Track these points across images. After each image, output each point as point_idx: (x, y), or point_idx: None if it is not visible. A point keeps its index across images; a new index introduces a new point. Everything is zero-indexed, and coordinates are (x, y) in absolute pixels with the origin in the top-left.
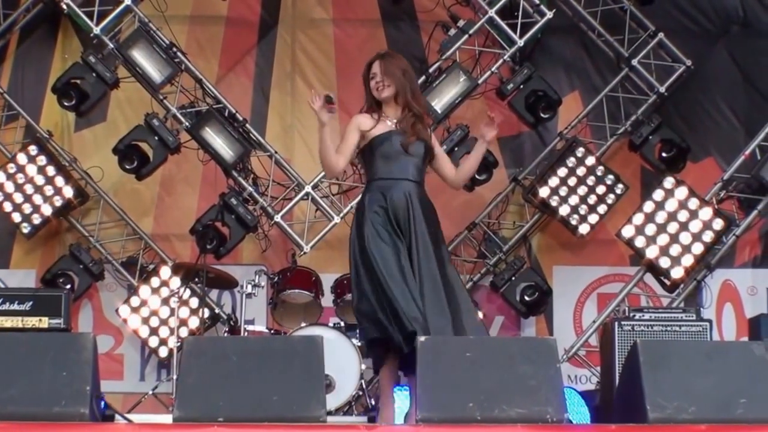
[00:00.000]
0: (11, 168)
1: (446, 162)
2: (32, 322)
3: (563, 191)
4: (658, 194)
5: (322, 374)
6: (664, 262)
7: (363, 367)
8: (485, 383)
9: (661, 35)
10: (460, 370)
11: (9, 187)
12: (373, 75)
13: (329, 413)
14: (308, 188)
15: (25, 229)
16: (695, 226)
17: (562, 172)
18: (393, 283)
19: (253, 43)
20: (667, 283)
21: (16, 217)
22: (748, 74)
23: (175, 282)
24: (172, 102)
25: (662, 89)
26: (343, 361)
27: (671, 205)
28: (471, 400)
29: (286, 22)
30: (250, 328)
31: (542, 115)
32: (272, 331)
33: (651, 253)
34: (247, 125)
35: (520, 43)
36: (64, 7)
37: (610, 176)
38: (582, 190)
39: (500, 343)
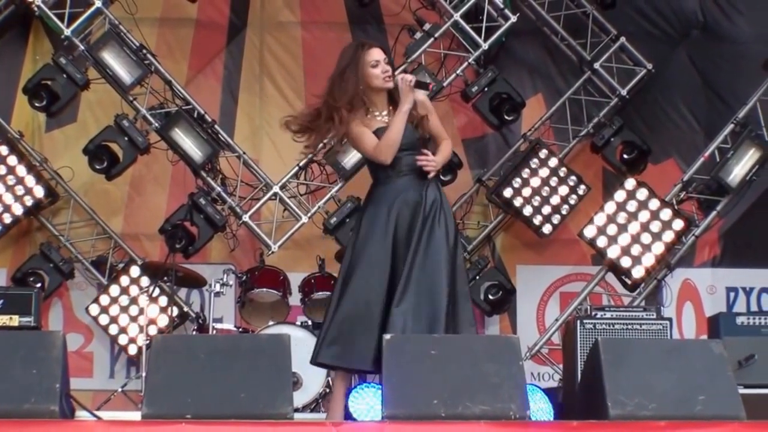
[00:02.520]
0: None
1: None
2: (3, 320)
3: (526, 192)
4: (619, 195)
5: (289, 372)
6: (626, 262)
7: None
8: (449, 380)
9: (622, 39)
10: (425, 368)
11: None
12: (377, 63)
13: (296, 410)
14: (276, 188)
15: None
16: (656, 226)
17: (525, 173)
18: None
19: (221, 46)
20: (628, 282)
21: None
22: (708, 77)
23: (145, 281)
24: (142, 103)
25: (624, 92)
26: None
27: (632, 205)
28: (435, 397)
29: (255, 25)
30: (218, 326)
31: (506, 117)
32: (240, 330)
33: (612, 252)
34: (216, 126)
35: (485, 46)
36: (36, 9)
37: (573, 177)
38: (545, 190)
39: (464, 341)
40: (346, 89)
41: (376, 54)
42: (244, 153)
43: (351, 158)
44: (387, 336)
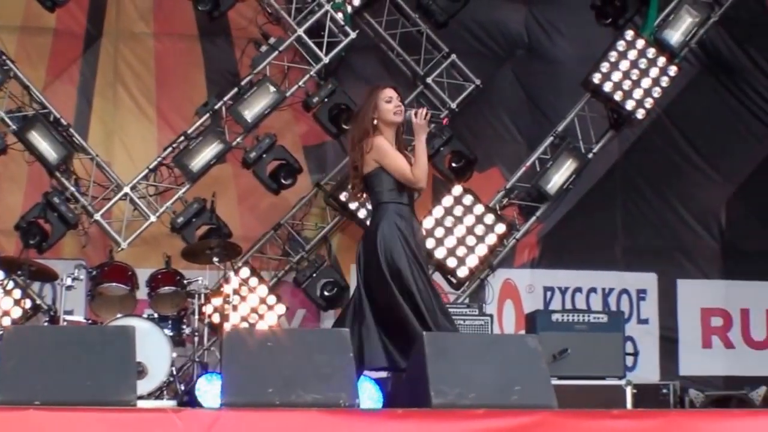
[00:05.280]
0: None
1: None
2: None
3: None
4: (447, 201)
5: (134, 361)
6: (451, 262)
7: (174, 355)
8: (284, 371)
9: (453, 56)
10: (261, 359)
11: None
12: (390, 99)
13: (141, 398)
14: (127, 189)
15: None
16: (480, 230)
17: None
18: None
19: (78, 54)
20: (454, 281)
21: None
22: (531, 93)
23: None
24: (1, 106)
25: (453, 105)
26: (155, 349)
27: (458, 210)
28: (271, 386)
29: (110, 35)
30: (68, 318)
31: (344, 126)
32: (90, 322)
33: (440, 253)
34: (71, 130)
35: (326, 60)
36: None
37: None
38: None
39: (298, 334)
40: (362, 122)
41: (389, 92)
42: (97, 155)
43: (198, 162)
44: (227, 330)
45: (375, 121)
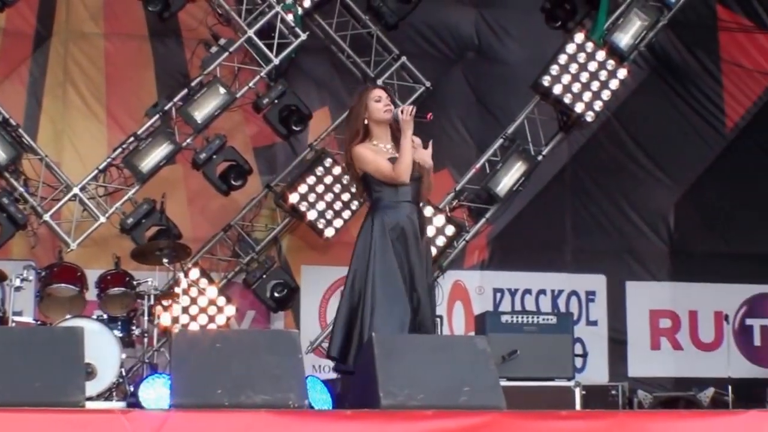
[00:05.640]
0: None
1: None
2: None
3: (312, 197)
4: None
5: (82, 362)
6: None
7: (123, 356)
8: (233, 372)
9: (403, 58)
10: (210, 360)
11: None
12: (380, 98)
13: (90, 399)
14: (76, 190)
15: None
16: (429, 231)
17: (311, 180)
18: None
19: (28, 53)
20: None
21: None
22: (481, 95)
23: None
24: None
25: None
26: (104, 350)
27: None
28: (220, 387)
29: (60, 35)
30: (17, 319)
31: (294, 127)
32: (39, 323)
33: None
34: (20, 130)
35: (276, 61)
36: None
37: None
38: (329, 196)
39: (248, 336)
40: (354, 123)
41: (378, 92)
42: (47, 156)
43: (148, 162)
44: (175, 331)
45: (366, 122)
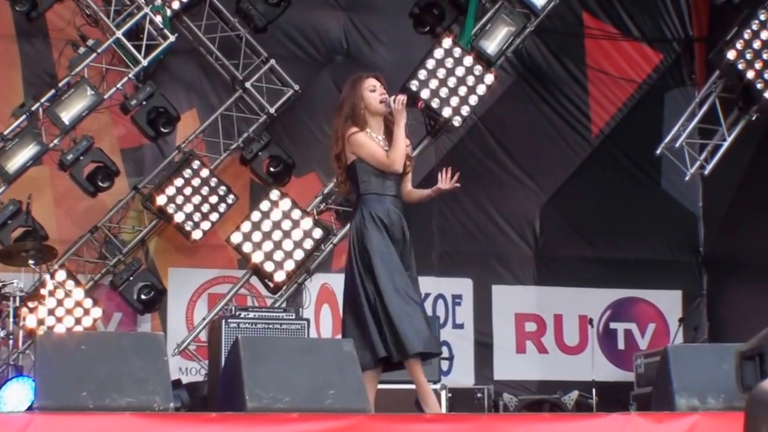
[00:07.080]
0: None
1: (408, 179)
2: None
3: (179, 200)
4: (264, 205)
5: None
6: (269, 266)
7: None
8: (98, 374)
9: (272, 61)
10: (75, 363)
11: None
12: (374, 88)
13: None
14: None
15: None
16: (297, 234)
17: (178, 182)
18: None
19: None
20: (271, 285)
21: None
22: None
23: None
24: None
25: (272, 110)
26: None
27: (276, 215)
28: (84, 390)
29: None
30: None
31: (162, 129)
32: None
33: (257, 257)
34: None
35: (144, 63)
36: None
37: (223, 187)
38: (196, 199)
39: (113, 338)
40: (346, 111)
41: (372, 81)
42: None
43: (14, 163)
44: (40, 333)
45: (363, 112)
